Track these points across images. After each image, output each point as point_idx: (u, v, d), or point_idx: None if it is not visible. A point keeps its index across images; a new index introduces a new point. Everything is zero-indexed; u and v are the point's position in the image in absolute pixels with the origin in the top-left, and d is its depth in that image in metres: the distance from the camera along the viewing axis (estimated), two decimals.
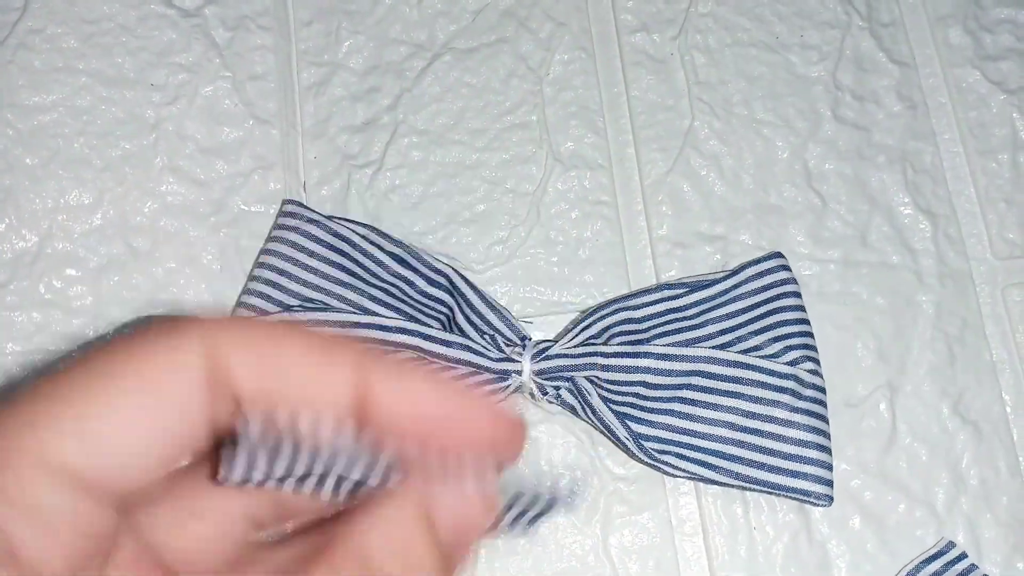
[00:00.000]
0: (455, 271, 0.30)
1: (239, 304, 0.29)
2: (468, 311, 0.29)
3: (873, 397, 0.32)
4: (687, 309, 0.30)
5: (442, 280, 0.30)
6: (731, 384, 0.28)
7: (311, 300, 0.29)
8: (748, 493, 0.30)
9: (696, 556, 0.30)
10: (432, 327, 0.28)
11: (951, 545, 0.30)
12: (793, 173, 0.34)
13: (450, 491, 0.19)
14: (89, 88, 0.32)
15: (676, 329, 0.30)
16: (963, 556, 0.29)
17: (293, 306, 0.29)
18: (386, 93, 0.34)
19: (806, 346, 0.29)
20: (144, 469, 0.16)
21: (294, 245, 0.29)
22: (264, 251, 0.30)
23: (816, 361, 0.29)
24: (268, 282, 0.29)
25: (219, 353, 0.17)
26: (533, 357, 0.29)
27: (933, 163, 0.35)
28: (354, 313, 0.28)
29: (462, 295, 0.29)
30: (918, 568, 0.29)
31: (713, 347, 0.29)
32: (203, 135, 0.32)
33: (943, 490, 0.31)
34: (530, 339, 0.29)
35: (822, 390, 0.29)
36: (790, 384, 0.28)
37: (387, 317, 0.28)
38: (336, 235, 0.29)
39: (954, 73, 0.37)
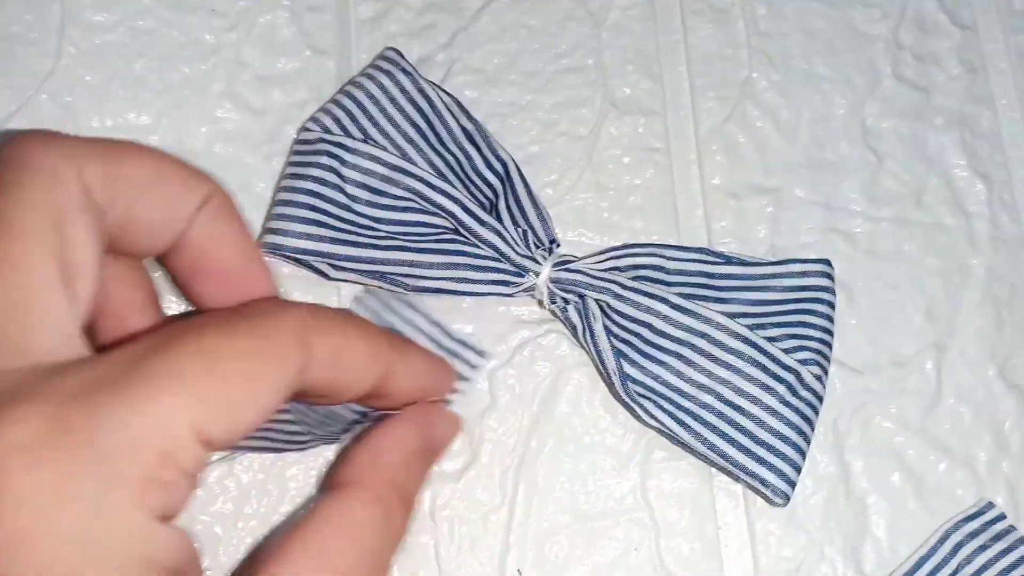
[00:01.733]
0: (515, 163, 0.30)
1: (310, 119, 0.30)
2: (512, 201, 0.30)
3: (920, 356, 0.31)
4: (719, 279, 0.30)
5: (498, 167, 0.30)
6: (733, 357, 0.28)
7: (374, 140, 0.30)
8: None
9: (733, 504, 0.30)
10: (474, 203, 0.29)
11: (990, 506, 0.30)
12: (850, 129, 0.34)
13: None
14: (151, 10, 0.32)
15: (701, 296, 0.30)
16: (1002, 516, 0.29)
17: (356, 137, 0.30)
18: (442, 31, 0.34)
19: (820, 353, 0.29)
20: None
21: (380, 86, 0.30)
22: (351, 82, 0.31)
23: (824, 371, 0.29)
24: (343, 108, 0.30)
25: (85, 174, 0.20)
26: (555, 264, 0.29)
27: (991, 128, 0.35)
28: (407, 162, 0.29)
29: (512, 185, 0.30)
30: (957, 526, 0.29)
31: None
32: (260, 63, 0.32)
33: (985, 452, 0.31)
34: (559, 246, 0.30)
35: (819, 398, 0.29)
36: (790, 377, 0.28)
37: (435, 175, 0.29)
38: (421, 92, 0.30)
39: (1016, 39, 0.36)
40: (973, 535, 0.29)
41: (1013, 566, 0.28)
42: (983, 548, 0.29)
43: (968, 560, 0.29)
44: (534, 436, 0.30)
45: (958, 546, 0.29)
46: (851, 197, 0.33)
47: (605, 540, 0.29)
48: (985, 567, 0.29)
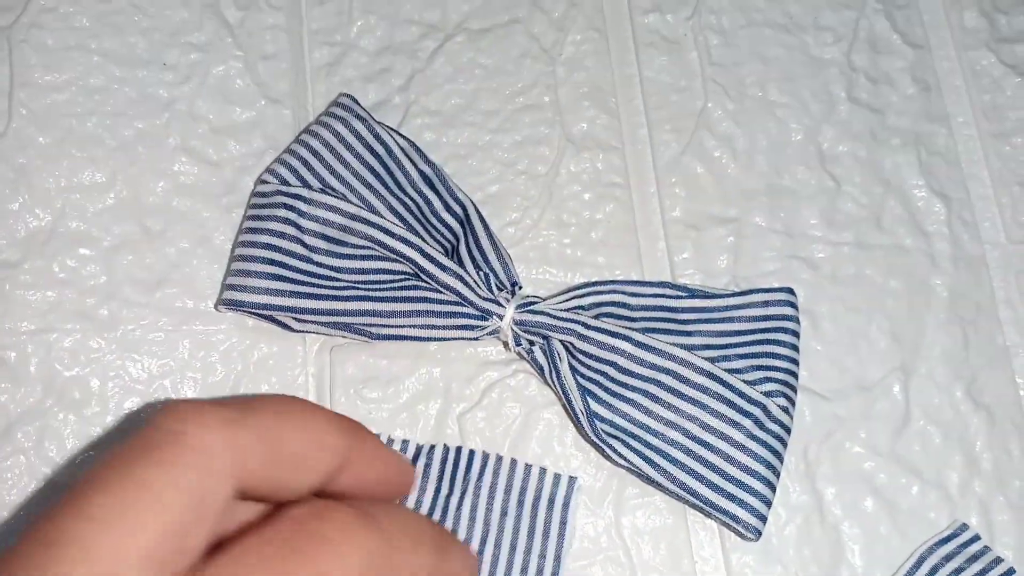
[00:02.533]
0: (474, 206, 0.30)
1: (267, 170, 0.30)
2: (473, 244, 0.30)
3: (887, 380, 0.32)
4: (681, 312, 0.30)
5: (458, 210, 0.30)
6: (698, 392, 0.28)
7: (332, 188, 0.30)
8: None
9: (709, 537, 0.30)
10: (435, 248, 0.29)
11: (964, 527, 0.30)
12: (807, 155, 0.34)
13: None
14: (102, 67, 0.32)
15: (664, 329, 0.30)
16: (976, 538, 0.29)
17: (314, 186, 0.30)
18: (398, 74, 0.34)
19: (787, 384, 0.29)
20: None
21: (336, 134, 0.30)
22: (306, 130, 0.31)
23: (791, 401, 0.29)
24: (299, 158, 0.30)
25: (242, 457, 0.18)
26: (518, 306, 0.29)
27: (947, 146, 0.35)
28: (365, 210, 0.29)
29: (472, 228, 0.30)
30: (931, 549, 0.29)
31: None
32: (215, 115, 0.32)
33: (956, 473, 0.31)
34: (521, 288, 0.30)
35: (787, 430, 0.29)
36: (756, 411, 0.28)
37: (396, 224, 0.29)
38: (377, 138, 0.30)
39: (968, 56, 0.36)
40: (948, 558, 0.29)
41: None
42: (959, 571, 0.29)
43: None
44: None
45: (934, 569, 0.29)
46: (811, 223, 0.33)
47: None
48: None
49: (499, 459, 0.30)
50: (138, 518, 0.16)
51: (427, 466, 0.29)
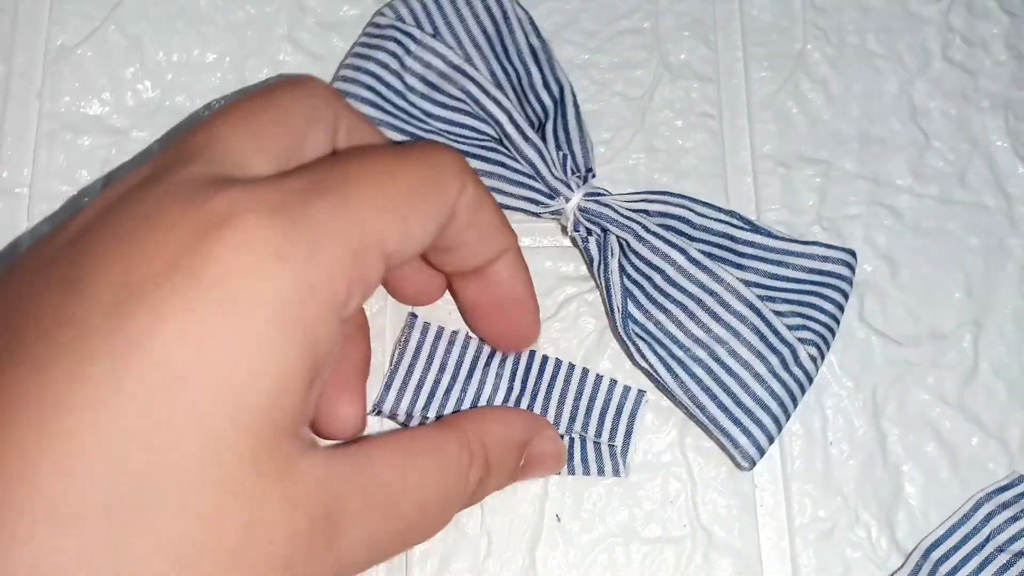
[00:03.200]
0: (571, 88, 0.31)
1: (387, 4, 0.31)
2: (560, 124, 0.30)
3: (958, 332, 0.32)
4: (741, 244, 0.30)
5: (555, 89, 0.31)
6: (735, 320, 0.29)
7: (442, 37, 0.31)
8: (827, 408, 0.31)
9: (770, 464, 0.30)
10: (525, 120, 0.30)
11: (1022, 478, 0.30)
12: (899, 107, 0.34)
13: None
14: None
15: (720, 256, 0.30)
16: None
17: (426, 31, 0.31)
18: None
19: (823, 338, 0.29)
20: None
21: None
22: None
23: (822, 355, 0.29)
24: (420, 1, 0.31)
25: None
26: (587, 194, 0.30)
27: None
28: (468, 65, 0.30)
29: (564, 109, 0.31)
30: (989, 496, 0.30)
31: None
32: (323, 8, 0.33)
33: (1018, 428, 0.31)
34: (595, 176, 0.31)
35: (810, 378, 0.29)
36: (785, 352, 0.29)
37: (491, 84, 0.30)
38: (498, 1, 0.31)
39: None
40: (1005, 506, 0.30)
41: None
42: (1014, 519, 0.29)
43: (999, 529, 0.29)
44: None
45: (990, 515, 0.29)
46: (898, 173, 0.33)
47: (642, 492, 0.30)
48: (1016, 537, 0.29)
49: (571, 367, 0.30)
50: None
51: (500, 367, 0.30)
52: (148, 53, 0.31)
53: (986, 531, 0.29)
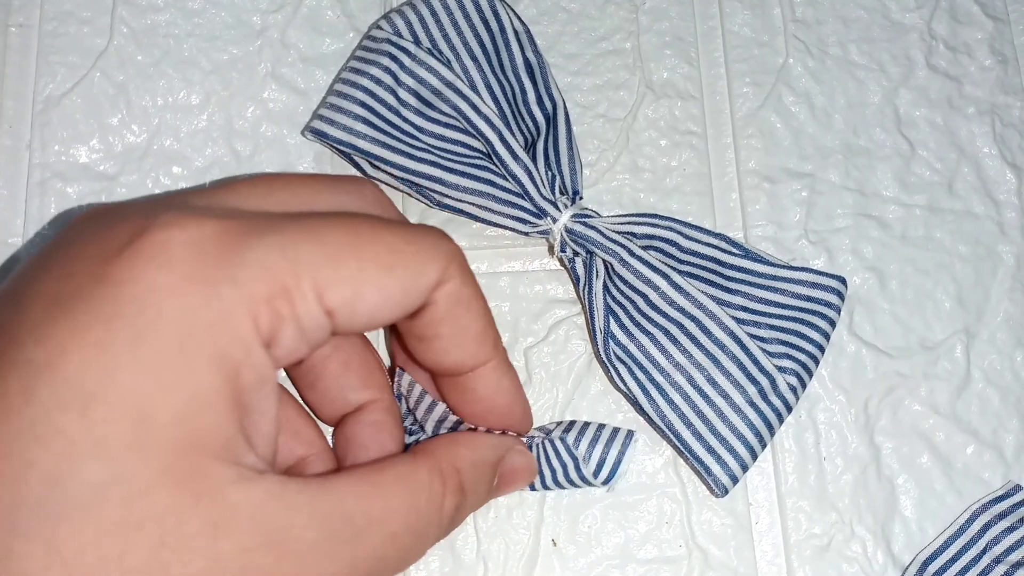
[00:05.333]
0: (564, 107, 0.31)
1: (384, 17, 0.31)
2: (551, 143, 0.31)
3: (950, 341, 0.32)
4: (729, 268, 0.30)
5: (548, 106, 0.31)
6: (715, 347, 0.29)
7: (440, 52, 0.31)
8: (820, 423, 0.31)
9: (764, 481, 0.31)
10: (515, 138, 0.30)
11: (1018, 488, 0.30)
12: (884, 117, 0.34)
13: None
14: None
15: (708, 280, 0.30)
16: None
17: (424, 44, 0.31)
18: None
19: (804, 367, 0.29)
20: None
21: (458, 0, 0.31)
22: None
23: (803, 384, 0.29)
24: (417, 14, 0.31)
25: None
26: (574, 215, 0.30)
27: (1021, 118, 0.35)
28: (461, 81, 0.30)
29: (556, 128, 0.31)
30: (985, 507, 0.30)
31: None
32: (305, 44, 0.33)
33: (1012, 436, 0.31)
34: (582, 199, 0.31)
35: (789, 408, 0.29)
36: (764, 382, 0.29)
37: (485, 103, 0.30)
38: (495, 14, 0.31)
39: None
40: (1001, 516, 0.30)
41: None
42: (1011, 529, 0.29)
43: (996, 540, 0.29)
44: (568, 412, 0.31)
45: (986, 526, 0.29)
46: (884, 183, 0.33)
47: (637, 514, 0.30)
48: (1013, 548, 0.29)
49: (559, 423, 0.30)
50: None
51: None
52: (134, 98, 0.32)
53: (983, 543, 0.29)
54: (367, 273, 0.19)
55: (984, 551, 0.29)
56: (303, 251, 0.19)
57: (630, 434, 0.29)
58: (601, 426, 0.29)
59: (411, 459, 0.23)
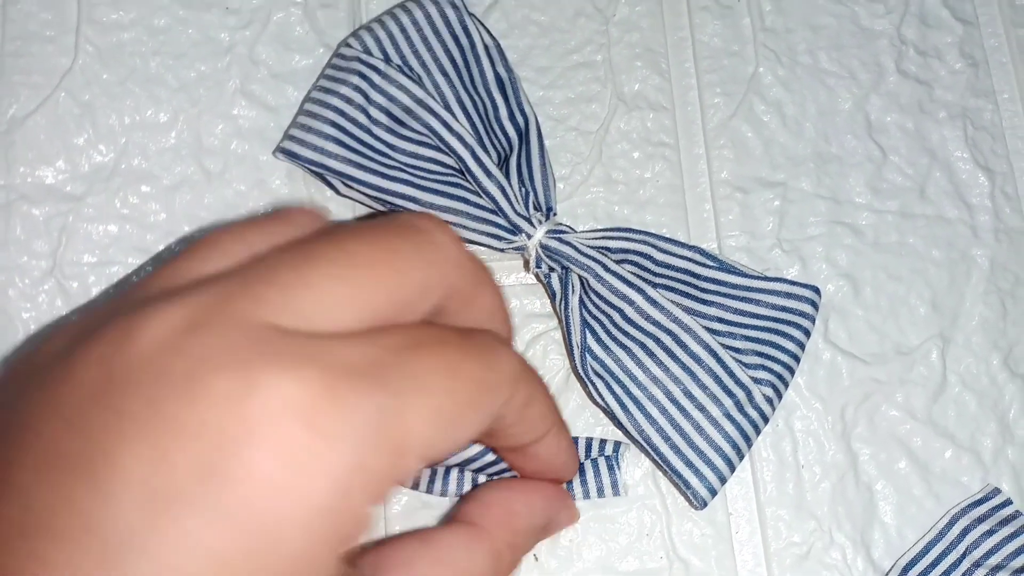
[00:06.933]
0: (536, 122, 0.31)
1: (353, 34, 0.31)
2: (524, 159, 0.31)
3: (925, 346, 0.32)
4: (703, 281, 0.30)
5: (520, 121, 0.31)
6: (691, 360, 0.29)
7: (410, 68, 0.31)
8: (797, 431, 0.31)
9: (743, 491, 0.30)
10: (487, 155, 0.30)
11: (997, 491, 0.30)
12: (855, 124, 0.34)
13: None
14: (166, 8, 0.32)
15: (683, 292, 0.30)
16: (1008, 502, 0.30)
17: (394, 61, 0.31)
18: None
19: (780, 377, 0.29)
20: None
21: (427, 16, 0.31)
22: (400, 5, 0.32)
23: (779, 395, 0.29)
24: (387, 31, 0.31)
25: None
26: (548, 231, 0.30)
27: (992, 121, 0.35)
28: (432, 99, 0.30)
29: (528, 143, 0.31)
30: (964, 511, 0.30)
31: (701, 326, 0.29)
32: (274, 61, 0.33)
33: (990, 439, 0.31)
34: (555, 215, 0.31)
35: (765, 419, 0.29)
36: (740, 394, 0.29)
37: (456, 120, 0.30)
38: (465, 30, 0.31)
39: (1017, 33, 0.37)
40: (980, 520, 0.30)
41: (1021, 550, 0.29)
42: (990, 533, 0.29)
43: (976, 544, 0.29)
44: None
45: (965, 531, 0.30)
46: (856, 190, 0.34)
47: (617, 526, 0.30)
48: (992, 551, 0.29)
49: None
50: (378, 274, 0.18)
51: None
52: (100, 118, 0.31)
53: (962, 547, 0.29)
54: (463, 418, 0.18)
55: (964, 555, 0.29)
56: (410, 414, 0.17)
57: (618, 444, 0.29)
58: (589, 441, 0.30)
59: (467, 540, 0.23)
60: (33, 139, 0.31)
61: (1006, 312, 0.33)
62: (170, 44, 0.32)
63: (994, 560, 0.29)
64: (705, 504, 0.28)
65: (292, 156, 0.30)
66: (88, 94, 0.31)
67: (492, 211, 0.30)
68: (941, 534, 0.30)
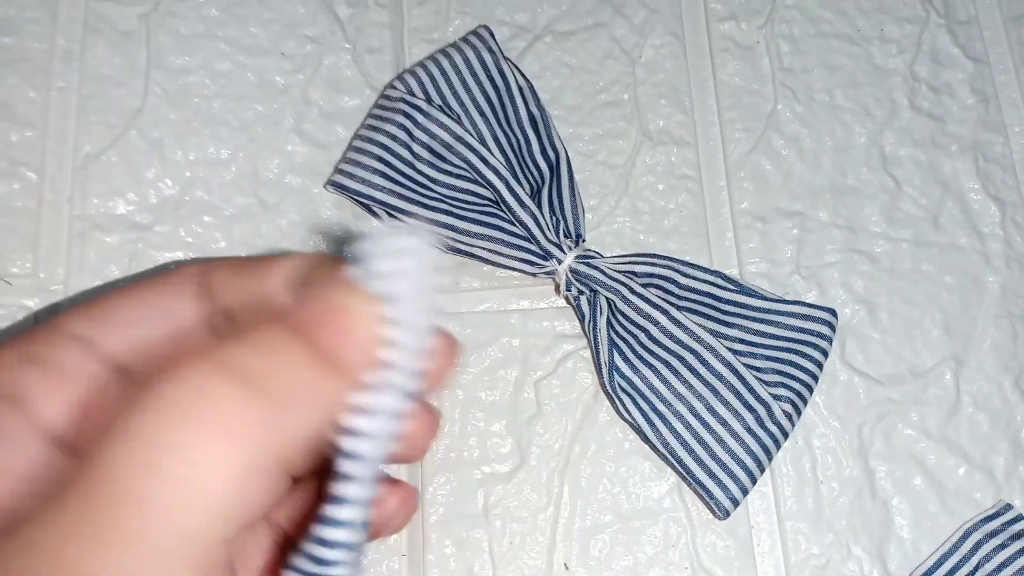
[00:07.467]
0: (567, 156, 0.33)
1: (398, 77, 0.34)
2: (555, 190, 0.33)
3: (939, 368, 0.34)
4: (725, 303, 0.32)
5: (552, 156, 0.33)
6: (713, 377, 0.31)
7: (450, 107, 0.33)
8: (816, 448, 0.32)
9: (764, 505, 0.32)
10: (521, 187, 0.32)
11: (1009, 507, 0.31)
12: (870, 157, 0.36)
13: None
14: (227, 54, 0.35)
15: (705, 314, 0.32)
16: (1020, 517, 0.31)
17: (435, 101, 0.33)
18: None
19: (799, 395, 0.31)
20: (139, 339, 0.21)
21: (466, 60, 0.34)
22: (441, 50, 0.35)
23: (798, 411, 0.31)
24: (428, 73, 0.34)
25: (210, 278, 0.22)
26: (578, 256, 0.32)
27: (1003, 154, 0.37)
28: (471, 135, 0.32)
29: (559, 176, 0.33)
30: (977, 526, 0.31)
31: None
32: (325, 101, 0.35)
33: (1002, 458, 0.33)
34: (584, 241, 0.33)
35: (785, 434, 0.31)
36: (760, 409, 0.30)
37: (493, 155, 0.32)
38: (500, 72, 0.34)
39: None
40: (993, 534, 0.31)
41: None
42: (1002, 547, 0.31)
43: (988, 558, 0.31)
44: (577, 441, 0.32)
45: (978, 544, 0.31)
46: (872, 220, 0.35)
47: (644, 538, 0.32)
48: (1004, 565, 0.30)
49: None
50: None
51: None
52: (167, 154, 0.34)
53: (975, 560, 0.31)
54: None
55: (977, 568, 0.31)
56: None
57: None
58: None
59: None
60: (106, 173, 0.34)
61: (1016, 335, 0.34)
62: (231, 87, 0.35)
63: (1006, 573, 0.30)
64: (728, 514, 0.30)
65: (341, 188, 0.32)
66: (156, 132, 0.34)
67: (525, 238, 0.32)
68: (955, 547, 0.31)
